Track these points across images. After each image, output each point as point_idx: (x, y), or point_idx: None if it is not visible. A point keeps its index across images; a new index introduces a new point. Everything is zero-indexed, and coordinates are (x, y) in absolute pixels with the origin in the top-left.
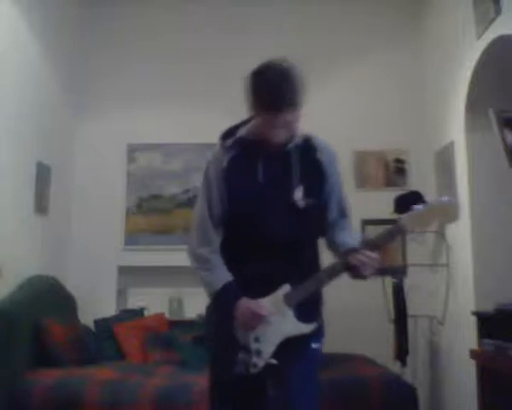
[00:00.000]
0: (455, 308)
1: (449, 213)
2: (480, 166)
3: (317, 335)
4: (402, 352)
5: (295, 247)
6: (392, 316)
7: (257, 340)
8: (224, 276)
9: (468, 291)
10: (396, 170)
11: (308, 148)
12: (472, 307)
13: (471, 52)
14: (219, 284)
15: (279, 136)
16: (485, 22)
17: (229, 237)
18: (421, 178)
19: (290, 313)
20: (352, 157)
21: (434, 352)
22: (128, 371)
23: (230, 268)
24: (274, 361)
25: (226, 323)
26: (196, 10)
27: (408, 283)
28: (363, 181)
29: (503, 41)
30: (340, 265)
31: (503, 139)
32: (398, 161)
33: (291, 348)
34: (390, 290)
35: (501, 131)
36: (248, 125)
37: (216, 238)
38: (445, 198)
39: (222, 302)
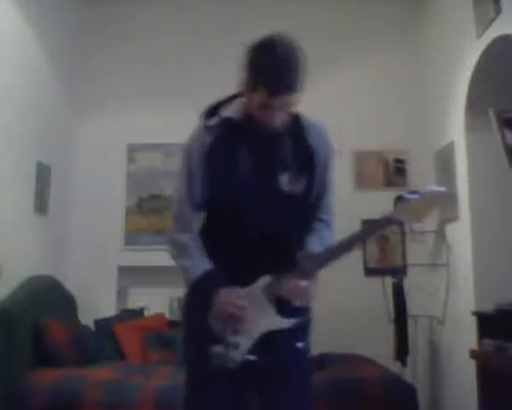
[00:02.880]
0: (455, 308)
1: (445, 202)
2: (480, 166)
3: (302, 332)
4: (402, 352)
5: (279, 237)
6: (392, 316)
7: (235, 333)
8: (204, 263)
9: (468, 291)
10: (396, 170)
11: (297, 128)
12: (472, 307)
13: (471, 52)
14: (199, 271)
15: (276, 119)
16: (485, 22)
17: (210, 224)
18: (421, 178)
19: (270, 307)
20: (351, 157)
21: (434, 352)
22: (128, 371)
23: (210, 257)
24: (252, 358)
25: (203, 313)
26: (196, 11)
27: (408, 283)
28: (362, 181)
29: (503, 41)
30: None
31: (503, 139)
32: (398, 161)
33: (273, 346)
34: (390, 290)
35: (501, 131)
36: (235, 104)
37: (196, 224)
38: (439, 188)
39: (201, 291)
